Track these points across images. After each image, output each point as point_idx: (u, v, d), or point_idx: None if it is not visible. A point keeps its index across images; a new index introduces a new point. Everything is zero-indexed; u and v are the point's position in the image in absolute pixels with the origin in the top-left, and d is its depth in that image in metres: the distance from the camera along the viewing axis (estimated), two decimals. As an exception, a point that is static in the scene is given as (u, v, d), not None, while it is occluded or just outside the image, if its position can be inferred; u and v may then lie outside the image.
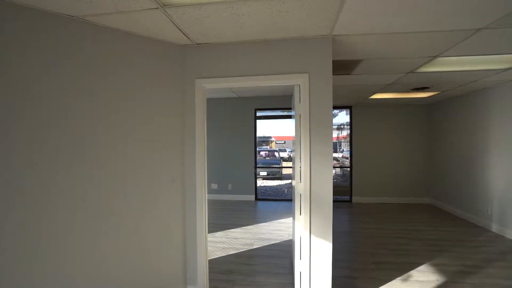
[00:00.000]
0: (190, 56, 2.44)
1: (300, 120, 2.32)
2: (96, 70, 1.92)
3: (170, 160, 2.37)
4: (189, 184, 2.47)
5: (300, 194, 2.32)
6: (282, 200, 6.86)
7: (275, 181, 11.58)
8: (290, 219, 4.96)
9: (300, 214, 2.33)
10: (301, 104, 2.31)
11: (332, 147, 2.24)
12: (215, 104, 6.63)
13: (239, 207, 5.84)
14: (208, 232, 4.25)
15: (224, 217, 5.10)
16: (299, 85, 2.33)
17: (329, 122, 2.23)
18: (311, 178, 2.26)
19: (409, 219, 4.98)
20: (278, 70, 2.29)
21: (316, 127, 2.24)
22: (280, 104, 6.41)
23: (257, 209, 5.77)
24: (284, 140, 31.67)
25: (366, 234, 4.19)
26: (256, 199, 6.59)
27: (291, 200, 6.45)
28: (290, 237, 3.96)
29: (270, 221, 4.87)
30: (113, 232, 2.02)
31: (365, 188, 6.42)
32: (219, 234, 4.16)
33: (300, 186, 2.31)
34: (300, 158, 2.30)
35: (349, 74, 3.53)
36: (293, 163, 2.73)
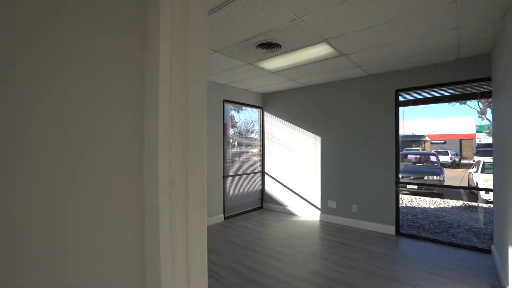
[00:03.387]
0: None
1: None
2: None
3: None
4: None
5: None
6: (448, 244, 3.92)
7: (433, 199, 7.95)
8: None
9: None
10: None
11: None
12: (331, 90, 4.76)
13: (366, 245, 3.69)
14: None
15: (337, 261, 3.18)
16: None
17: None
18: None
19: None
20: None
21: None
22: (439, 78, 3.69)
23: (398, 257, 3.40)
24: (443, 139, 23.54)
25: None
26: (398, 233, 4.13)
27: (464, 246, 3.40)
28: None
29: (424, 295, 2.53)
30: None
31: None
32: (317, 305, 2.37)
33: None
34: None
35: None
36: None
